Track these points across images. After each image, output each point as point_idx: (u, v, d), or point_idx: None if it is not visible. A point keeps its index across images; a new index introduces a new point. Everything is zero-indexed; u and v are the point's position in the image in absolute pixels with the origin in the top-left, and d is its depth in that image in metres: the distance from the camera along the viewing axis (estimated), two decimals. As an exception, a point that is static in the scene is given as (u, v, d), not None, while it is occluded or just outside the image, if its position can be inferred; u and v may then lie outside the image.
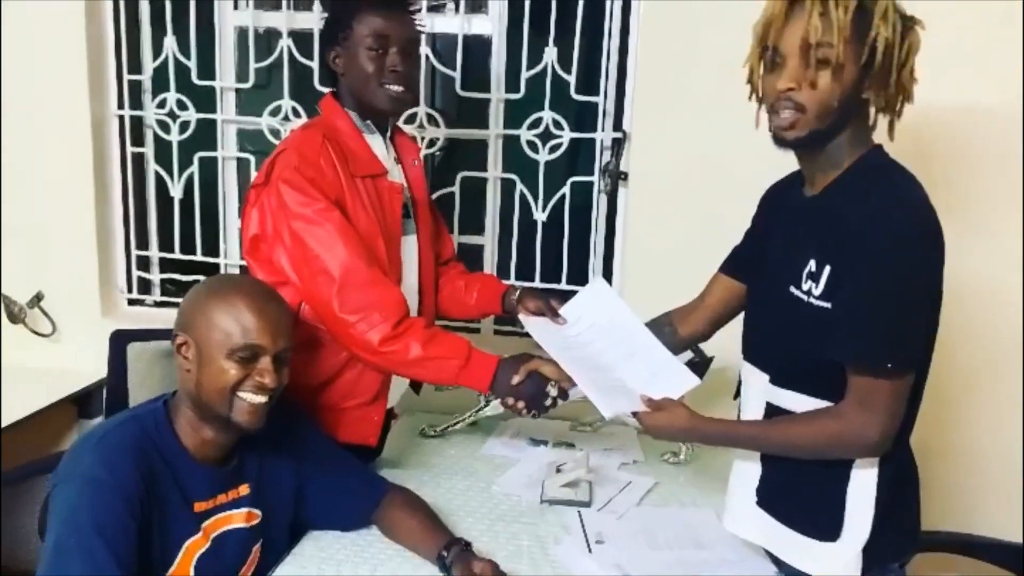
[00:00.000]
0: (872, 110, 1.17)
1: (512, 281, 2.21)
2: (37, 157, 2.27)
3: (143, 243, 2.42)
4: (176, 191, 2.33)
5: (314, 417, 1.52)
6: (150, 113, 2.32)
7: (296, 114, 2.22)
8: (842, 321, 1.11)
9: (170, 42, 2.24)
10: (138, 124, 2.35)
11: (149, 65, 2.30)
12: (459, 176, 2.23)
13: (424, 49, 2.06)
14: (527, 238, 2.23)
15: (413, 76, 1.57)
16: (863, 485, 1.17)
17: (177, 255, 2.39)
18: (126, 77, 2.29)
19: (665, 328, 1.54)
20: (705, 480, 1.71)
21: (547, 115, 2.14)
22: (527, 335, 1.59)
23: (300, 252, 1.44)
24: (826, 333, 1.12)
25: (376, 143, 1.59)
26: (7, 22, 2.20)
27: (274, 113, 2.23)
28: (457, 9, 2.16)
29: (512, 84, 2.16)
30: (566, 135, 2.15)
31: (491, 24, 2.17)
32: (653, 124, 2.05)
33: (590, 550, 1.41)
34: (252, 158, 2.30)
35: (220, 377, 1.22)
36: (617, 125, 2.15)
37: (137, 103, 2.33)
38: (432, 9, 2.18)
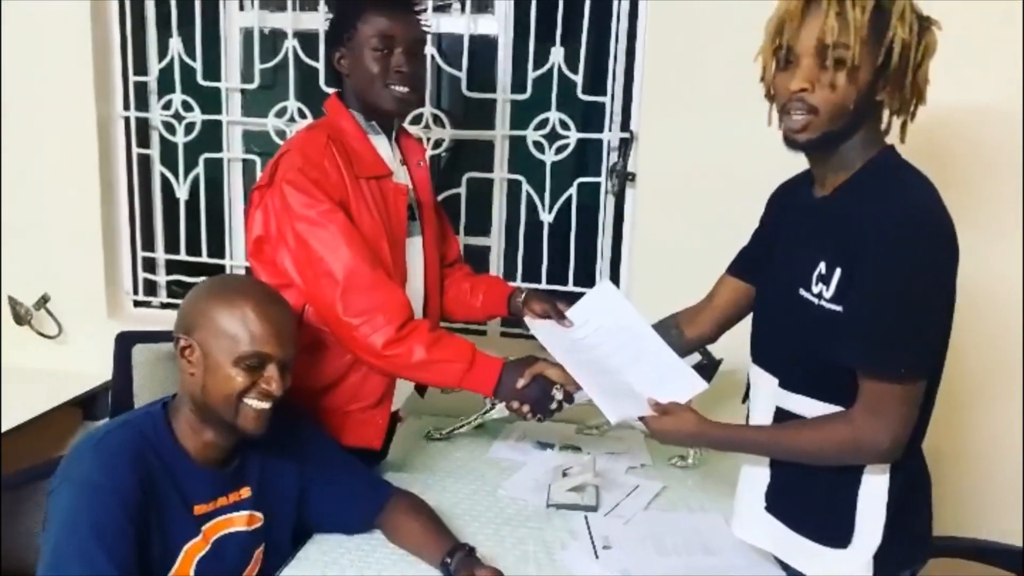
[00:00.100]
0: (886, 112, 1.14)
1: (518, 283, 2.20)
2: (43, 158, 2.27)
3: (149, 245, 2.42)
4: (182, 192, 2.33)
5: (318, 420, 1.51)
6: (156, 114, 2.31)
7: (302, 115, 2.21)
8: (853, 325, 1.09)
9: (175, 43, 2.24)
10: (144, 125, 2.35)
11: (155, 66, 2.30)
12: (465, 177, 2.22)
13: (430, 49, 2.05)
14: (533, 239, 2.22)
15: (418, 77, 1.56)
16: (874, 491, 1.15)
17: (183, 256, 2.38)
18: (132, 78, 2.29)
19: (672, 330, 1.52)
20: (713, 484, 1.69)
21: (554, 115, 2.12)
22: (534, 338, 1.58)
23: (304, 254, 1.43)
24: (836, 337, 1.10)
25: (381, 144, 1.58)
26: (12, 23, 2.21)
27: (280, 114, 2.22)
28: (463, 9, 2.15)
29: (518, 84, 2.14)
30: (573, 136, 2.13)
31: (497, 24, 2.15)
32: (660, 124, 2.03)
33: (597, 555, 1.39)
34: (258, 159, 2.30)
35: (227, 384, 1.21)
36: (624, 125, 2.13)
37: (143, 104, 2.33)
38: (438, 9, 2.17)
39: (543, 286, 2.21)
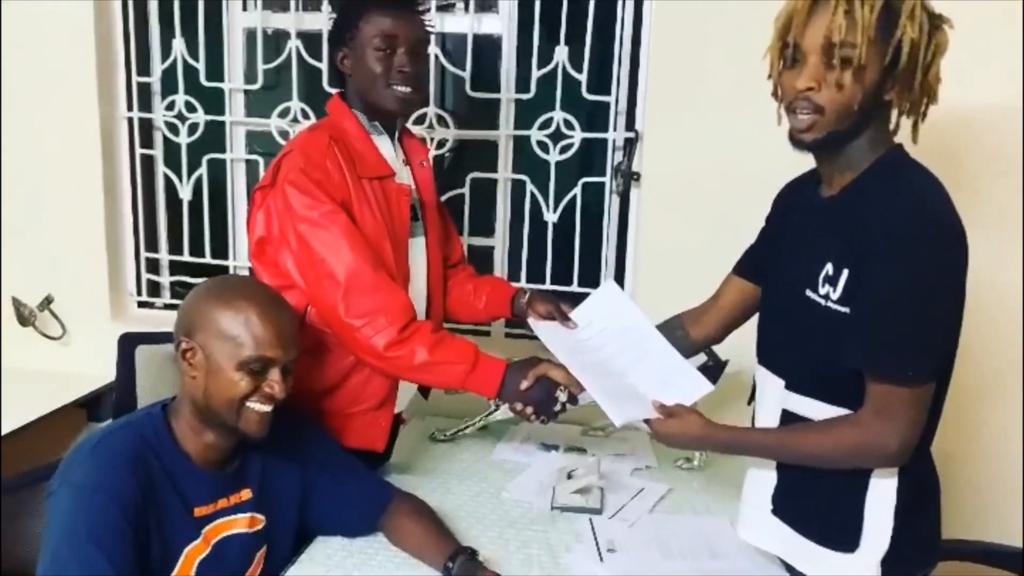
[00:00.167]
0: (894, 112, 1.13)
1: (522, 283, 2.19)
2: (46, 159, 2.27)
3: (152, 246, 2.42)
4: (185, 193, 2.33)
5: (320, 422, 1.51)
6: (159, 115, 2.31)
7: (305, 116, 2.21)
8: (860, 327, 1.07)
9: (179, 44, 2.23)
10: (147, 126, 2.34)
11: (158, 67, 2.29)
12: (469, 177, 2.20)
13: (433, 49, 2.04)
14: (537, 240, 2.21)
15: (421, 77, 1.55)
16: (882, 495, 1.14)
17: (186, 257, 2.38)
18: (135, 79, 2.28)
19: (677, 331, 1.51)
20: (719, 486, 1.68)
21: (558, 115, 2.11)
22: (538, 338, 1.57)
23: (306, 255, 1.42)
24: (844, 338, 1.08)
25: (384, 144, 1.57)
26: (16, 25, 2.21)
27: (283, 115, 2.22)
28: (467, 8, 2.14)
29: (523, 84, 2.13)
30: (577, 135, 2.12)
31: (501, 23, 2.14)
32: (666, 123, 2.02)
33: (601, 559, 1.38)
34: (261, 160, 2.29)
35: (230, 388, 1.20)
36: (629, 125, 2.12)
37: (146, 105, 2.32)
38: (441, 8, 2.16)
39: (547, 286, 2.20)
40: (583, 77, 2.08)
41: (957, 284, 1.08)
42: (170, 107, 2.28)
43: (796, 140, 1.13)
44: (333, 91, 1.61)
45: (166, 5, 2.24)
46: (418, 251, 1.61)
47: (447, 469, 1.75)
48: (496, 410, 1.83)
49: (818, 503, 1.19)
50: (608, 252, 2.20)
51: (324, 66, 2.15)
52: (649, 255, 2.09)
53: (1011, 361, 1.94)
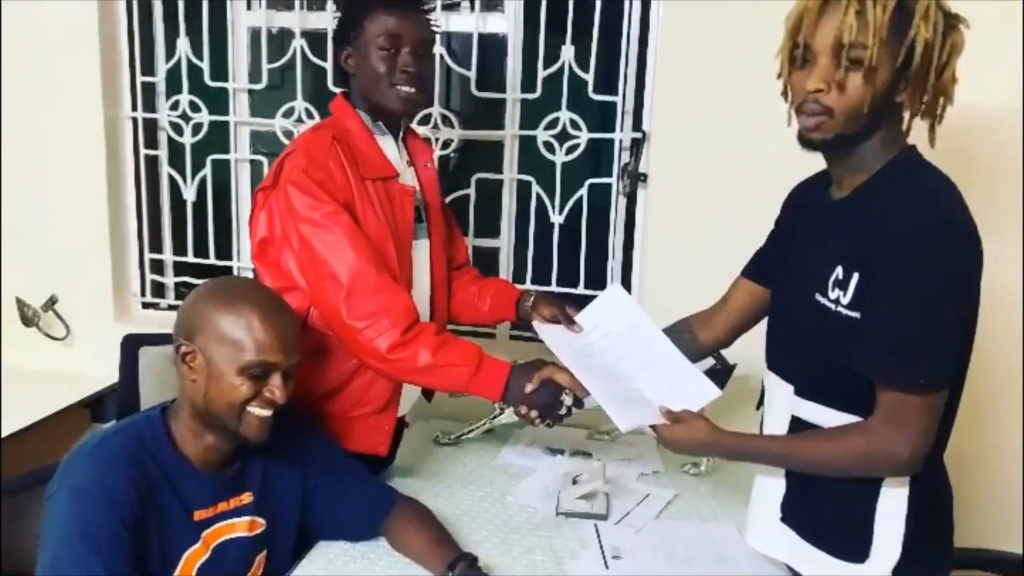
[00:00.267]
0: (907, 113, 1.10)
1: (528, 285, 2.17)
2: (50, 159, 2.26)
3: (156, 246, 2.40)
4: (189, 194, 2.32)
5: (323, 425, 1.49)
6: (163, 115, 2.30)
7: (309, 115, 2.19)
8: (870, 333, 1.05)
9: (183, 43, 2.22)
10: (151, 126, 2.33)
11: (162, 67, 2.29)
12: (474, 178, 2.19)
13: (439, 48, 2.03)
14: (544, 241, 2.19)
15: (426, 77, 1.53)
16: (893, 503, 1.11)
17: (190, 258, 2.37)
18: (139, 79, 2.28)
19: (684, 335, 1.49)
20: (727, 492, 1.65)
21: (564, 115, 2.09)
22: (543, 341, 1.55)
23: (308, 256, 1.40)
24: (854, 344, 1.06)
25: (387, 145, 1.56)
26: (19, 24, 2.20)
27: (287, 114, 2.20)
28: (472, 7, 2.13)
29: (528, 84, 2.11)
30: (583, 135, 2.10)
31: (507, 22, 2.13)
32: (673, 124, 2.00)
33: (607, 566, 1.36)
34: (265, 160, 2.28)
35: (231, 393, 1.19)
36: (636, 125, 2.10)
37: (150, 105, 2.31)
38: (447, 7, 2.14)
39: (553, 288, 2.18)
40: (590, 77, 2.06)
41: (970, 289, 1.06)
42: (174, 107, 2.27)
43: (805, 140, 1.10)
44: (338, 91, 1.60)
45: (170, 4, 2.23)
46: (422, 253, 1.60)
47: (451, 473, 1.74)
48: (501, 413, 1.81)
49: (827, 511, 1.16)
50: (615, 254, 2.18)
51: (329, 66, 2.13)
52: (656, 257, 2.07)
53: (1012, 364, 1.91)
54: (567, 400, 1.41)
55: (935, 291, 1.01)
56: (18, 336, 2.33)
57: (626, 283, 2.17)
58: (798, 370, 1.19)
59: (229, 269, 2.35)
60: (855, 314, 1.06)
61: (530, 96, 2.11)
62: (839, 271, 1.09)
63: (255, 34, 2.22)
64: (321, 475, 1.38)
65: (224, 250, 2.35)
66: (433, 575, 1.29)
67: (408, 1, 1.50)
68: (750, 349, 1.43)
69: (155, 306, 2.43)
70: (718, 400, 1.34)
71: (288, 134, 2.20)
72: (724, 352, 1.61)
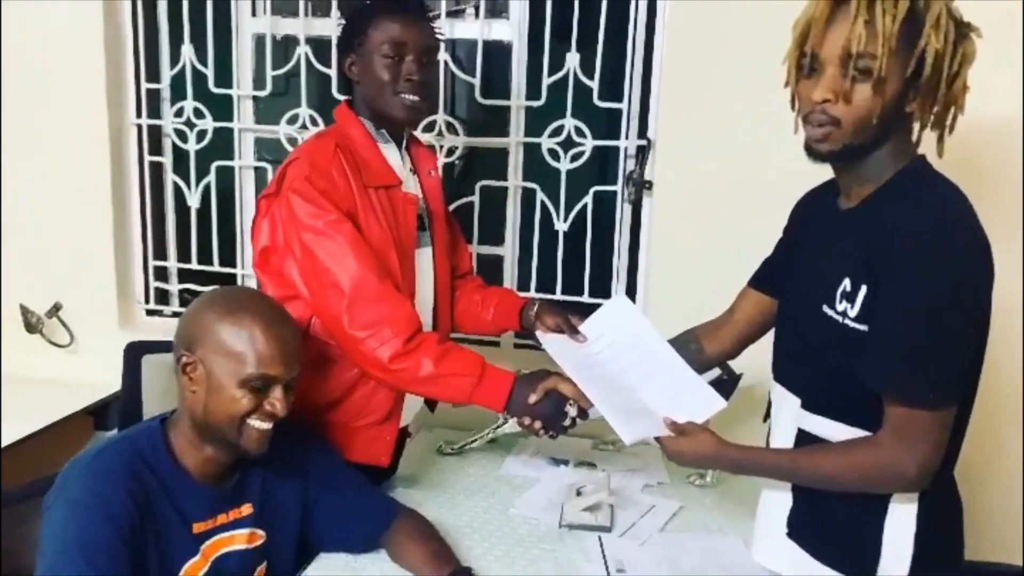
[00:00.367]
0: (916, 125, 1.08)
1: (532, 293, 2.16)
2: (55, 166, 2.26)
3: (161, 253, 2.40)
4: (193, 200, 2.31)
5: (324, 436, 1.48)
6: (168, 122, 2.30)
7: (314, 122, 2.19)
8: (878, 346, 1.03)
9: (187, 50, 2.22)
10: (156, 133, 2.33)
11: (167, 73, 2.28)
12: (478, 185, 2.18)
13: (443, 55, 2.02)
14: (548, 249, 2.18)
15: (429, 85, 1.52)
16: (901, 519, 1.09)
17: (194, 265, 2.36)
18: (144, 85, 2.28)
19: (690, 346, 1.47)
20: (733, 504, 1.63)
21: (569, 122, 2.08)
22: None
23: (310, 265, 1.39)
24: (861, 357, 1.04)
25: (391, 153, 1.55)
26: (24, 30, 2.20)
27: (291, 121, 2.20)
28: (477, 14, 2.12)
29: (533, 91, 2.10)
30: (588, 143, 2.09)
31: (512, 30, 2.12)
32: (679, 131, 1.98)
33: (610, 579, 1.35)
34: (269, 167, 2.28)
35: (232, 406, 1.18)
36: (642, 132, 2.08)
37: (155, 112, 2.31)
38: (451, 14, 2.14)
39: (558, 296, 2.16)
40: (595, 84, 2.05)
41: (981, 302, 1.03)
42: (179, 114, 2.27)
43: (812, 150, 1.09)
44: (342, 98, 1.59)
45: (175, 11, 2.23)
46: (425, 261, 1.58)
47: (454, 483, 1.72)
48: (505, 423, 1.80)
49: (834, 527, 1.14)
50: (620, 262, 2.17)
51: (333, 73, 2.13)
52: (662, 265, 2.05)
53: (1013, 376, 1.88)
54: (571, 411, 1.40)
55: (944, 304, 0.99)
56: (22, 343, 2.32)
57: (631, 292, 2.15)
58: (805, 383, 1.17)
59: (233, 276, 2.35)
60: (863, 327, 1.05)
61: (535, 103, 2.10)
62: (847, 283, 1.07)
63: (260, 41, 2.22)
64: (322, 486, 1.37)
65: (228, 257, 2.34)
66: (434, 588, 1.27)
67: (412, 9, 1.49)
68: (756, 360, 1.41)
69: (159, 313, 2.42)
70: (724, 411, 1.32)
71: (292, 141, 2.20)
72: (730, 362, 1.59)
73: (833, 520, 1.14)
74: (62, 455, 2.21)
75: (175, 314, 2.41)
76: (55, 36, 2.19)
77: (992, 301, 1.05)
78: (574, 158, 2.10)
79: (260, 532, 1.30)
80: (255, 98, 2.27)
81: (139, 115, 2.29)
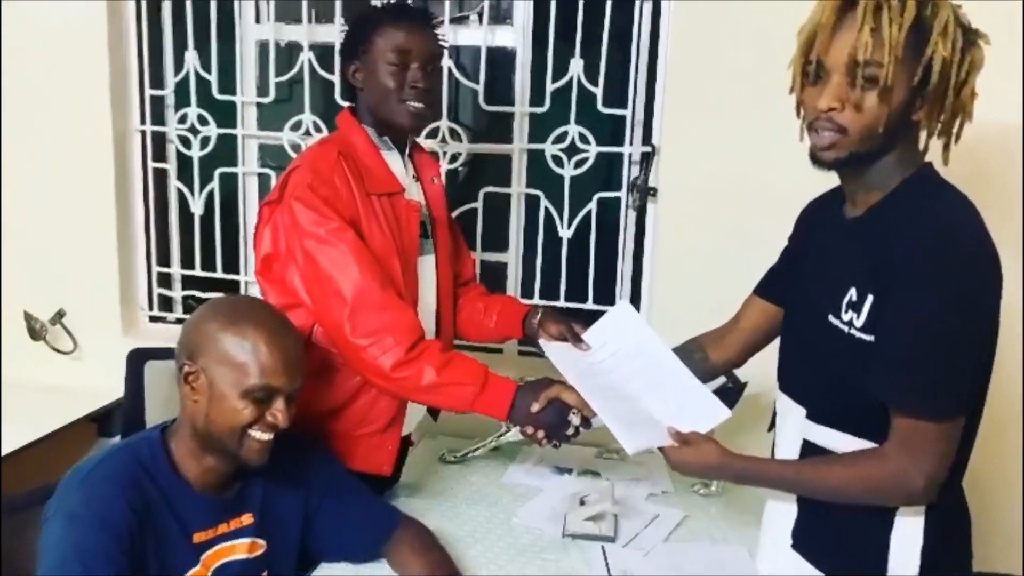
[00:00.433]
0: (923, 133, 1.07)
1: (536, 300, 2.15)
2: (59, 172, 2.27)
3: (164, 260, 2.40)
4: (197, 207, 2.31)
5: (326, 444, 1.47)
6: (172, 128, 2.30)
7: (317, 129, 2.18)
8: (885, 357, 1.01)
9: (191, 56, 2.22)
10: (160, 139, 2.33)
11: (171, 80, 2.28)
12: (482, 191, 2.17)
13: (447, 62, 2.01)
14: (552, 256, 2.17)
15: (434, 92, 1.52)
16: (908, 532, 1.08)
17: (198, 272, 2.36)
18: (148, 92, 2.28)
19: (695, 354, 1.46)
20: (738, 513, 1.62)
21: (573, 129, 2.07)
22: None
23: (312, 272, 1.39)
24: (868, 368, 1.03)
25: (393, 160, 1.54)
26: (29, 36, 2.20)
27: (295, 128, 2.20)
28: (481, 21, 2.11)
29: (537, 97, 2.09)
30: (592, 149, 2.08)
31: (515, 36, 2.11)
32: (683, 137, 1.97)
33: (614, 590, 1.33)
34: (273, 173, 2.27)
35: (233, 416, 1.17)
36: (646, 139, 2.07)
37: (159, 118, 2.31)
38: (455, 21, 2.13)
39: (561, 303, 2.15)
40: (599, 90, 2.04)
41: (989, 311, 1.02)
42: (183, 120, 2.27)
43: (817, 159, 1.07)
44: (346, 104, 1.59)
45: (179, 18, 2.23)
46: (428, 269, 1.58)
47: (457, 492, 1.71)
48: (508, 431, 1.78)
49: (840, 539, 1.13)
50: (624, 269, 2.16)
51: (337, 79, 2.12)
52: (666, 273, 2.04)
53: (1014, 385, 1.87)
54: (574, 420, 1.38)
55: (952, 315, 0.98)
56: (25, 349, 2.32)
57: (635, 299, 2.14)
58: (810, 393, 1.16)
59: (236, 283, 2.34)
60: (869, 337, 1.03)
61: (539, 110, 2.10)
62: (853, 292, 1.06)
63: (263, 47, 2.22)
64: (323, 495, 1.36)
65: (231, 263, 2.34)
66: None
67: (417, 16, 1.49)
68: (761, 368, 1.40)
69: (162, 320, 2.42)
70: (728, 420, 1.31)
71: (296, 147, 2.19)
72: (736, 371, 1.57)
73: (839, 532, 1.13)
74: (65, 462, 2.20)
75: (178, 320, 2.41)
76: (60, 42, 2.19)
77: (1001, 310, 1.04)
78: (578, 164, 2.09)
79: (261, 542, 1.29)
80: (259, 105, 2.26)
81: (143, 121, 2.29)
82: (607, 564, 1.41)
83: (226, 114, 2.25)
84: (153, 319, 2.42)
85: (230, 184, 2.30)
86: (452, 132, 2.15)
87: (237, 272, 2.34)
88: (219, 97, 2.24)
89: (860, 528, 1.10)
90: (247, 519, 1.28)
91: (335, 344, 1.42)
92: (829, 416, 1.12)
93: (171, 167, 2.34)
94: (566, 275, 2.16)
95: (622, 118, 2.08)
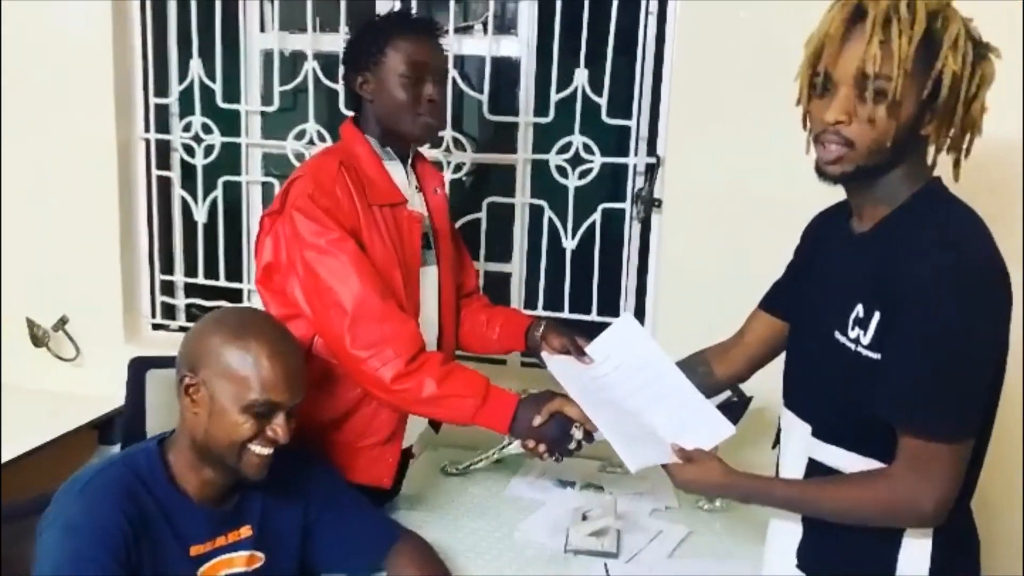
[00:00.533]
0: (932, 148, 1.05)
1: (540, 311, 2.14)
2: (63, 180, 2.26)
3: (168, 267, 2.40)
4: (200, 215, 2.31)
5: (326, 456, 1.46)
6: (176, 136, 2.30)
7: (321, 138, 2.18)
8: (892, 376, 0.99)
9: (196, 65, 2.22)
10: (164, 148, 2.33)
11: (175, 88, 2.28)
12: (486, 202, 2.16)
13: (451, 71, 2.01)
14: (556, 266, 2.15)
15: (444, 105, 1.53)
16: (916, 554, 1.05)
17: (201, 280, 2.35)
18: (152, 100, 2.28)
19: (699, 369, 1.44)
20: (743, 529, 1.60)
21: (577, 139, 2.06)
22: None
23: (312, 283, 1.38)
24: (875, 387, 1.01)
25: (396, 170, 1.53)
26: (34, 45, 2.21)
27: (299, 137, 2.19)
28: (485, 31, 2.11)
29: (541, 107, 2.08)
30: (597, 160, 2.07)
31: (520, 46, 2.11)
32: (688, 148, 1.96)
33: (615, 608, 1.32)
34: (276, 182, 2.27)
35: (234, 431, 1.16)
36: (651, 150, 2.06)
37: (163, 126, 2.31)
38: (460, 30, 2.13)
39: (565, 315, 2.14)
40: (603, 101, 2.03)
41: (999, 329, 1.00)
42: (187, 128, 2.27)
43: (823, 173, 1.06)
44: (350, 114, 1.58)
45: (184, 26, 2.23)
46: (430, 280, 1.57)
47: (458, 504, 1.70)
48: (510, 443, 1.77)
49: (846, 560, 1.10)
50: (628, 281, 2.14)
51: (341, 88, 2.12)
52: (671, 285, 2.02)
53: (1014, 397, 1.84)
54: (577, 434, 1.37)
55: (961, 333, 0.96)
56: (28, 356, 2.32)
57: (639, 311, 2.13)
58: (816, 410, 1.14)
59: (239, 291, 2.34)
60: (876, 355, 1.01)
61: (543, 120, 2.09)
62: (859, 309, 1.04)
63: (268, 56, 2.22)
64: (323, 508, 1.34)
65: (234, 272, 2.33)
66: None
67: (429, 28, 1.49)
68: (766, 384, 1.38)
69: (165, 327, 2.41)
70: (732, 437, 1.29)
71: (300, 156, 2.19)
72: (741, 385, 1.56)
73: (844, 553, 1.11)
74: (65, 470, 2.19)
75: (181, 328, 2.40)
76: (64, 49, 2.19)
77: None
78: (582, 175, 2.08)
79: (259, 555, 1.28)
80: (263, 113, 2.26)
81: (147, 130, 2.29)
82: (609, 581, 1.39)
83: (230, 123, 2.25)
84: (156, 327, 2.41)
85: (234, 192, 2.29)
86: (456, 142, 2.14)
87: (240, 280, 2.33)
88: (223, 106, 2.23)
89: (867, 549, 1.08)
90: (246, 532, 1.26)
91: (335, 355, 1.41)
92: (835, 434, 1.10)
93: (175, 175, 2.34)
94: (570, 286, 2.14)
95: (627, 129, 2.06)
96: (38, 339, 2.31)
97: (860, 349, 1.03)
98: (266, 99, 2.24)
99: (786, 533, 1.18)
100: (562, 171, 2.09)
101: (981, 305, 0.97)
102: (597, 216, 2.11)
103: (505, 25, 2.14)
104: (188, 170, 2.32)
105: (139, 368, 2.01)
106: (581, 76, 2.04)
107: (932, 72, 0.97)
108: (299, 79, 2.17)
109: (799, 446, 1.16)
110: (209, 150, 2.26)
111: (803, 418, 1.16)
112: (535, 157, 2.12)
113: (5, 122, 2.25)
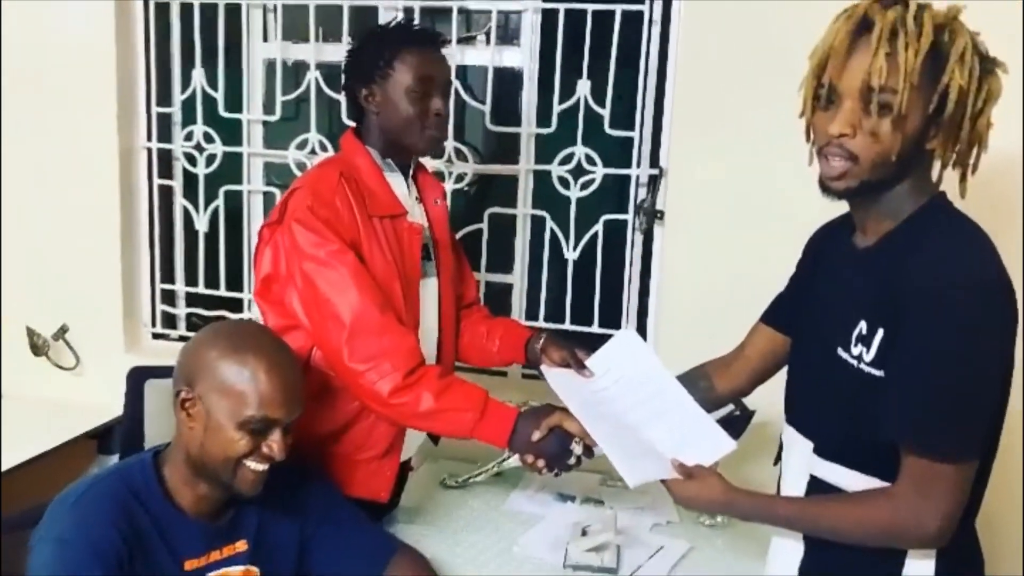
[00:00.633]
0: (937, 163, 1.04)
1: (541, 323, 2.13)
2: (64, 188, 2.27)
3: (168, 277, 2.39)
4: (201, 224, 2.30)
5: (323, 469, 1.45)
6: (178, 145, 2.30)
7: (323, 148, 2.18)
8: (895, 395, 0.98)
9: (198, 74, 2.22)
10: (166, 157, 2.33)
11: (178, 97, 2.28)
12: (487, 212, 2.15)
13: (454, 82, 2.00)
14: (558, 278, 2.14)
15: (448, 118, 1.52)
16: (920, 573, 1.03)
17: (202, 289, 2.35)
18: (155, 109, 2.28)
19: (700, 383, 1.42)
20: (745, 545, 1.58)
21: (579, 150, 2.05)
22: None
23: (311, 295, 1.37)
24: (878, 404, 0.99)
25: (396, 182, 1.52)
26: (37, 54, 2.21)
27: (301, 146, 2.19)
28: (488, 41, 2.10)
29: (544, 118, 2.08)
30: (599, 171, 2.06)
31: (522, 56, 2.10)
32: (691, 160, 1.95)
33: (615, 625, 1.30)
34: (278, 192, 2.26)
35: (229, 447, 1.15)
36: (654, 161, 2.05)
37: (165, 136, 2.31)
38: (462, 41, 2.12)
39: (567, 327, 2.13)
40: (606, 112, 2.03)
41: (1004, 346, 0.98)
42: (189, 137, 2.27)
43: (826, 188, 1.04)
44: (352, 124, 1.57)
45: (187, 35, 2.23)
46: (430, 292, 1.55)
47: (456, 518, 1.69)
48: (510, 456, 1.75)
49: (849, 579, 1.09)
50: (630, 292, 2.13)
51: (343, 98, 2.11)
52: (673, 297, 2.01)
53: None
54: (576, 449, 1.35)
55: (965, 350, 0.94)
56: (27, 365, 2.31)
57: (641, 323, 2.12)
58: (818, 427, 1.12)
59: (240, 301, 2.33)
60: (879, 372, 1.00)
61: (545, 130, 2.08)
62: (863, 325, 1.02)
63: (270, 66, 2.22)
64: (320, 522, 1.33)
65: (235, 281, 2.33)
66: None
67: (435, 41, 1.48)
68: (768, 399, 1.37)
69: (165, 336, 2.41)
70: (734, 452, 1.28)
71: (301, 166, 2.19)
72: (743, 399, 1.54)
73: (847, 571, 1.09)
74: (64, 479, 2.17)
75: (182, 338, 2.40)
76: (66, 58, 2.20)
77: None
78: (584, 186, 2.07)
79: (255, 569, 1.26)
80: (265, 123, 2.26)
81: (149, 138, 2.29)
82: (608, 597, 1.38)
83: (232, 132, 2.25)
84: (156, 336, 2.41)
85: (235, 202, 2.29)
86: (458, 152, 2.13)
87: (241, 290, 2.33)
88: (225, 115, 2.24)
89: (870, 567, 1.06)
90: (241, 546, 1.25)
91: (333, 368, 1.40)
92: (837, 451, 1.08)
93: (177, 184, 2.34)
94: (572, 298, 2.13)
95: (629, 140, 2.06)
96: (38, 348, 2.31)
97: (863, 366, 1.02)
98: (268, 108, 2.24)
99: (788, 550, 1.16)
100: (564, 182, 2.08)
101: (986, 323, 0.95)
102: (599, 227, 2.10)
103: (508, 36, 2.14)
104: (190, 179, 2.32)
105: (138, 378, 2.00)
106: (584, 87, 2.03)
107: (938, 86, 0.96)
108: (301, 89, 2.18)
109: (800, 463, 1.14)
110: (211, 159, 2.26)
111: (805, 435, 1.14)
112: (537, 168, 2.11)
113: (7, 130, 2.25)
